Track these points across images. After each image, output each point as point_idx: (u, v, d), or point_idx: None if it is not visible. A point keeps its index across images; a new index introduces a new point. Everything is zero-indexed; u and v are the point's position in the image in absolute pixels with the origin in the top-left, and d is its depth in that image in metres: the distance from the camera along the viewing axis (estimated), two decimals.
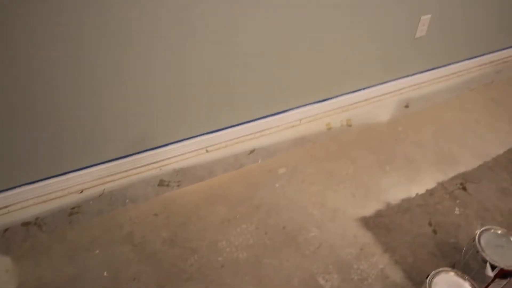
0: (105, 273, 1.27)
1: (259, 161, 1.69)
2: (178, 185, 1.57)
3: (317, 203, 1.53)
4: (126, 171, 1.57)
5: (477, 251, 1.24)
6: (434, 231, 1.46)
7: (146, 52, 1.32)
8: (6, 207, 1.42)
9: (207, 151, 1.71)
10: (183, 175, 1.61)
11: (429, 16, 1.87)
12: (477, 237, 1.27)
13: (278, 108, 1.80)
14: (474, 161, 1.75)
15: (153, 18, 1.26)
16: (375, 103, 2.03)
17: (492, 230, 1.29)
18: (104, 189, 1.52)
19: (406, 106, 2.03)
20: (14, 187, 1.42)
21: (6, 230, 1.38)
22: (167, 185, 1.56)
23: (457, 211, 1.54)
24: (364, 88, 1.98)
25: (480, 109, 2.06)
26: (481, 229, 1.28)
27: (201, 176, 1.62)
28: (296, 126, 1.86)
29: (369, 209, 1.53)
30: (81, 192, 1.50)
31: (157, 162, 1.62)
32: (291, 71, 1.70)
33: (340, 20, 1.65)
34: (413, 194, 1.59)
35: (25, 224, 1.40)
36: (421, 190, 1.61)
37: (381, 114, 1.97)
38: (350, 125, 1.89)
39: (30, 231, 1.39)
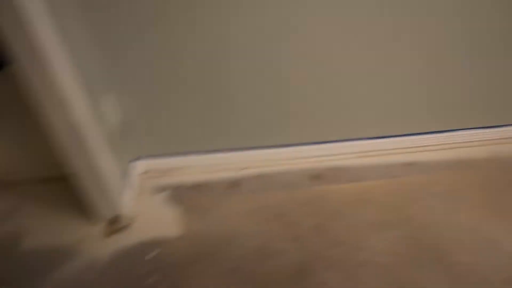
0: (255, 241, 1.38)
1: (414, 175, 1.64)
2: (331, 182, 1.61)
3: (473, 229, 1.42)
4: (285, 159, 1.69)
5: None
6: None
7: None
8: (181, 168, 1.66)
9: (363, 156, 1.72)
10: (338, 174, 1.65)
11: None
12: None
13: (445, 126, 1.72)
14: None
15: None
16: None
17: None
18: (263, 171, 1.66)
19: None
20: (191, 153, 1.65)
21: (179, 187, 1.61)
22: (322, 179, 1.62)
23: None
24: None
25: None
26: None
27: (354, 177, 1.64)
28: (458, 148, 1.75)
29: None
30: (243, 169, 1.66)
31: (316, 156, 1.70)
32: (467, 88, 1.62)
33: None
34: None
35: (195, 186, 1.61)
36: None
37: None
38: None
39: (196, 192, 1.59)
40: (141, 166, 1.65)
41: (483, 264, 1.30)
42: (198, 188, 1.61)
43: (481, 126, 1.75)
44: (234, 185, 1.61)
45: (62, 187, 1.59)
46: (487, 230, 1.41)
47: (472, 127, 1.74)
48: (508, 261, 1.31)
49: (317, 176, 1.64)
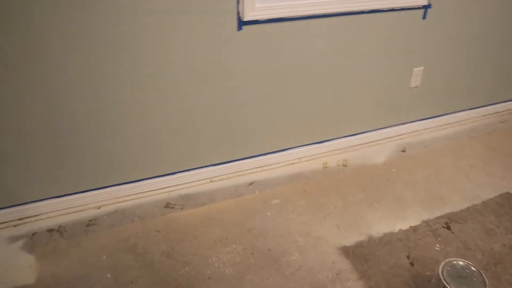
0: (108, 275, 1.49)
1: (256, 192, 1.89)
2: (181, 208, 1.78)
3: (302, 231, 1.69)
4: (137, 193, 1.82)
5: (439, 280, 1.35)
6: (411, 264, 1.57)
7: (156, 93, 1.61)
8: (36, 215, 1.70)
9: (211, 181, 1.93)
10: (187, 200, 1.83)
11: (422, 68, 2.05)
12: (441, 267, 1.38)
13: (279, 146, 2.00)
14: (463, 203, 1.85)
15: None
16: (372, 146, 2.19)
17: (455, 262, 1.40)
18: (117, 207, 1.77)
19: (403, 151, 2.17)
20: (44, 199, 1.69)
21: (34, 234, 1.64)
22: (172, 207, 1.78)
23: (437, 247, 1.63)
24: (362, 132, 2.16)
25: (477, 155, 2.16)
26: (445, 261, 1.40)
27: (203, 201, 1.83)
28: (295, 163, 2.05)
29: (351, 240, 1.66)
30: (99, 208, 1.76)
31: (166, 187, 1.86)
32: (293, 113, 1.92)
33: (341, 71, 1.88)
34: (396, 229, 1.71)
35: (50, 230, 1.66)
36: (405, 226, 1.72)
37: (377, 157, 2.12)
38: (346, 165, 2.06)
39: (53, 236, 1.64)
40: None
41: (312, 260, 1.57)
42: (54, 232, 1.67)
43: (309, 143, 2.07)
44: (90, 224, 1.70)
45: None
46: (314, 230, 1.70)
47: (302, 144, 2.05)
48: (332, 251, 1.60)
49: (168, 205, 1.80)
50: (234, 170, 1.96)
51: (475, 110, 2.40)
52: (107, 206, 1.78)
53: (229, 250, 1.60)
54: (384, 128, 2.20)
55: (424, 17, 1.90)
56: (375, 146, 2.20)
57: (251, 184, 1.93)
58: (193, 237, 1.65)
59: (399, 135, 2.25)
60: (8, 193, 1.63)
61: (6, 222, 1.67)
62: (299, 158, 2.07)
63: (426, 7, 1.88)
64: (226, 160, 1.93)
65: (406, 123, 2.24)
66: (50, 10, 1.33)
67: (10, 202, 1.66)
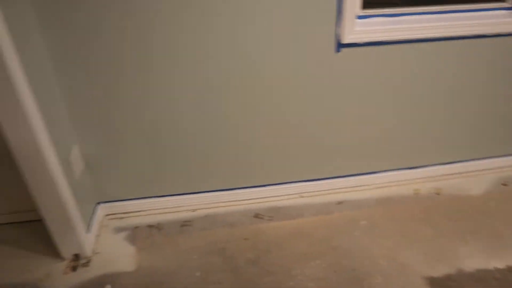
0: (197, 273, 1.59)
1: (345, 211, 1.89)
2: (270, 220, 1.85)
3: (388, 256, 1.66)
4: (229, 201, 1.93)
5: None
6: None
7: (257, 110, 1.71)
8: (138, 211, 1.88)
9: (301, 196, 1.97)
10: (276, 212, 1.89)
11: None
12: None
13: (370, 168, 1.99)
14: None
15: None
16: (469, 177, 2.08)
17: None
18: (210, 212, 1.89)
19: (505, 184, 2.03)
20: (146, 197, 1.87)
21: (136, 227, 1.82)
22: (261, 218, 1.86)
23: None
24: (458, 161, 2.06)
25: None
26: None
27: (292, 215, 1.88)
28: (385, 187, 2.02)
29: (439, 271, 1.59)
30: (194, 211, 1.89)
31: (256, 198, 1.94)
32: (385, 136, 1.91)
33: (439, 96, 1.84)
34: (490, 267, 1.60)
35: (149, 226, 1.83)
36: (501, 265, 1.61)
37: (474, 188, 2.01)
38: (438, 194, 1.98)
39: (152, 231, 1.80)
40: (102, 209, 1.87)
41: (395, 286, 1.53)
42: (153, 228, 1.82)
43: (401, 167, 2.03)
44: (184, 225, 1.83)
45: (30, 230, 1.79)
46: (400, 256, 1.66)
47: (393, 168, 2.02)
48: (418, 280, 1.55)
49: (257, 215, 1.88)
50: (324, 188, 1.98)
51: None
52: (201, 210, 1.91)
53: (313, 265, 1.62)
54: (484, 158, 2.08)
55: None
56: (472, 177, 2.09)
57: (340, 203, 1.94)
58: (279, 249, 1.70)
59: (501, 167, 2.11)
60: (117, 189, 1.83)
61: (114, 214, 1.87)
62: (390, 182, 2.03)
63: None
64: (316, 178, 1.96)
65: (509, 155, 2.10)
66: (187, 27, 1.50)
67: (118, 197, 1.85)
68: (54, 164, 1.46)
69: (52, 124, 1.46)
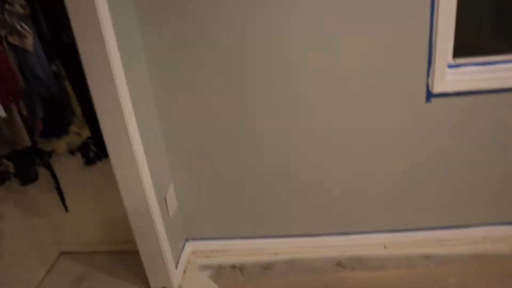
0: None
1: (431, 266, 1.80)
2: (352, 269, 1.82)
3: None
4: (312, 247, 1.93)
5: None
6: None
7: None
8: (223, 251, 1.96)
9: (384, 247, 1.92)
10: (359, 262, 1.85)
11: None
12: None
13: (460, 221, 1.89)
14: None
15: None
16: None
17: None
18: (293, 257, 1.91)
19: None
20: (232, 238, 1.95)
21: (220, 267, 1.90)
22: (343, 267, 1.83)
23: None
24: None
25: None
26: None
27: (374, 266, 1.83)
28: (478, 243, 1.89)
29: None
30: (276, 254, 1.92)
31: (339, 246, 1.92)
32: (479, 187, 1.81)
33: None
34: None
35: (233, 266, 1.89)
36: None
37: None
38: None
39: (235, 272, 1.87)
40: (190, 246, 1.97)
41: None
42: (236, 268, 1.88)
43: (495, 222, 1.89)
44: (267, 268, 1.87)
45: (127, 260, 1.95)
46: None
47: (487, 222, 1.89)
48: None
49: (340, 264, 1.86)
50: (409, 240, 1.91)
51: None
52: (283, 254, 1.93)
53: None
54: None
55: None
56: None
57: (426, 257, 1.85)
58: None
59: None
60: (205, 227, 1.93)
61: (200, 252, 1.96)
62: (484, 238, 1.90)
63: None
64: (401, 228, 1.90)
65: None
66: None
67: (205, 236, 1.95)
68: (154, 202, 1.60)
69: (153, 165, 1.61)
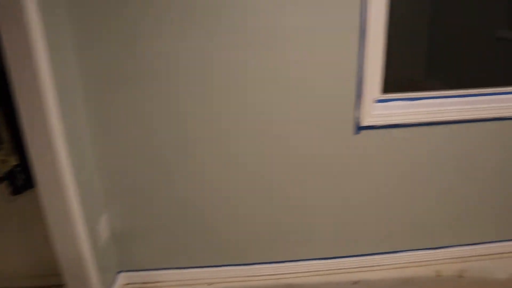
0: None
1: None
2: None
3: None
4: (246, 276, 1.95)
5: None
6: None
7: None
8: (158, 281, 1.93)
9: (317, 274, 1.96)
10: None
11: None
12: None
13: (388, 248, 1.97)
14: None
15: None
16: (495, 259, 2.00)
17: None
18: (227, 286, 1.91)
19: None
20: (167, 268, 1.92)
21: None
22: None
23: None
24: (483, 243, 2.01)
25: None
26: None
27: None
28: (404, 267, 1.98)
29: None
30: (210, 284, 1.92)
31: (272, 274, 1.96)
32: (405, 216, 1.91)
33: (460, 177, 1.86)
34: None
35: None
36: None
37: (500, 272, 1.93)
38: (461, 276, 1.91)
39: None
40: (122, 278, 1.92)
41: None
42: None
43: (423, 247, 1.99)
44: None
45: None
46: None
47: (413, 248, 1.99)
48: None
49: None
50: (339, 267, 1.97)
51: None
52: (218, 284, 1.92)
53: None
54: (510, 240, 2.02)
55: None
56: (498, 259, 2.01)
57: (355, 283, 1.91)
58: None
59: None
60: (139, 259, 1.89)
61: (133, 284, 1.91)
62: (409, 262, 1.99)
63: None
64: (332, 256, 1.96)
65: None
66: None
67: (139, 267, 1.91)
68: (82, 232, 1.57)
69: (84, 195, 1.59)
